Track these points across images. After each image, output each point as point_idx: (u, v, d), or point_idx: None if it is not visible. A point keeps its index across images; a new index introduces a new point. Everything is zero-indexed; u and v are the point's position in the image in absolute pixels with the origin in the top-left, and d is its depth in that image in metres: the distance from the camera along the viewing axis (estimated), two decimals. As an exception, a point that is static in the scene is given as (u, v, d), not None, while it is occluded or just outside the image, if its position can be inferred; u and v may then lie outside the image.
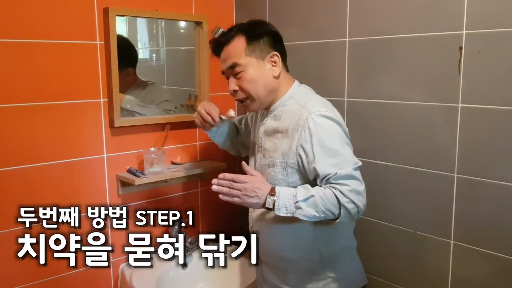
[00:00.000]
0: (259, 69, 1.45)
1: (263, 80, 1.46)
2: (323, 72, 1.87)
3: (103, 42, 1.79)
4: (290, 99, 1.48)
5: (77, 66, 1.74)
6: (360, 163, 1.37)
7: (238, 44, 1.46)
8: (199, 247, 2.07)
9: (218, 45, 1.51)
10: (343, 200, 1.31)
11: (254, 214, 1.59)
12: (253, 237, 1.48)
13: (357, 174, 1.35)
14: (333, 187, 1.33)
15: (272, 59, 1.47)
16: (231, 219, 2.35)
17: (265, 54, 1.46)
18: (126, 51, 1.99)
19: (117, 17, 1.79)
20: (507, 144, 1.41)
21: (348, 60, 1.78)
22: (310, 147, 1.36)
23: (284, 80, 1.50)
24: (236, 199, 1.36)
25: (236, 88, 1.48)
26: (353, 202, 1.32)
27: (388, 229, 1.75)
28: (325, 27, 1.85)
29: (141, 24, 2.08)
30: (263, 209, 1.44)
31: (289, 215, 1.34)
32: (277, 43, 1.49)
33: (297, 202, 1.33)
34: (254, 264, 1.56)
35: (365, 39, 1.72)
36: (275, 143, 1.47)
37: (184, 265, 2.00)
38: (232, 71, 1.47)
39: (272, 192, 1.35)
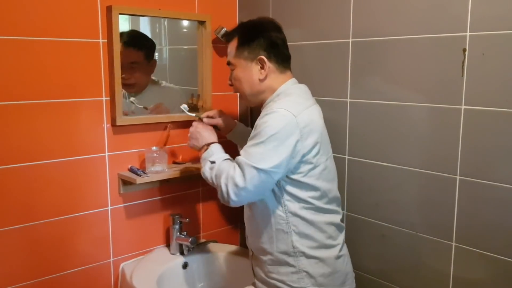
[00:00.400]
0: (245, 71, 1.56)
1: (248, 81, 1.57)
2: (326, 73, 1.87)
3: (106, 41, 1.79)
4: (276, 97, 1.54)
5: (79, 64, 1.74)
6: (261, 167, 1.39)
7: (233, 44, 1.58)
8: (200, 247, 2.08)
9: (226, 41, 1.66)
10: (222, 180, 1.44)
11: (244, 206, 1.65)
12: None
13: (248, 171, 1.40)
14: (231, 166, 1.46)
15: (260, 63, 1.54)
16: (233, 219, 2.35)
17: (254, 56, 1.54)
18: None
19: (120, 16, 1.78)
20: (510, 146, 1.41)
21: (351, 61, 1.78)
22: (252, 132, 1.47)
23: (277, 81, 1.56)
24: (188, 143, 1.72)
25: (230, 82, 1.64)
26: (227, 188, 1.42)
27: (390, 230, 1.74)
28: (328, 27, 1.84)
29: (144, 23, 2.07)
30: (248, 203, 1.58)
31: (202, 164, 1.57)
32: (271, 47, 1.54)
33: (213, 160, 1.54)
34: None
35: (369, 40, 1.72)
36: None
37: (185, 265, 2.00)
38: (229, 67, 1.62)
39: (207, 145, 1.61)
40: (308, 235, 1.51)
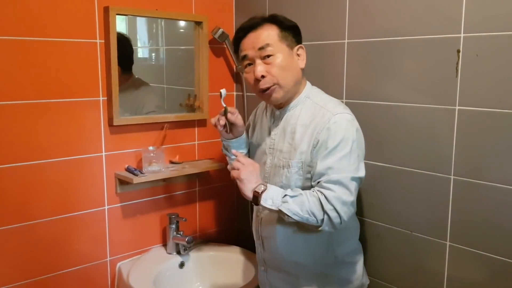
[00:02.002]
0: (289, 58, 1.45)
1: (293, 69, 1.45)
2: (321, 73, 1.88)
3: (103, 41, 1.80)
4: (306, 99, 1.49)
5: (77, 64, 1.75)
6: (361, 176, 1.37)
7: (270, 30, 1.44)
8: (197, 246, 2.08)
9: (248, 28, 1.46)
10: (326, 206, 1.29)
11: (263, 219, 1.56)
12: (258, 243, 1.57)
13: (351, 184, 1.33)
14: (320, 191, 1.31)
15: (298, 52, 1.47)
16: (229, 219, 2.36)
17: (294, 45, 1.46)
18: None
19: (117, 16, 1.79)
20: (504, 146, 1.42)
21: (346, 62, 1.79)
22: (324, 144, 1.36)
23: (303, 78, 1.52)
24: (234, 173, 1.38)
25: (265, 73, 1.41)
26: (336, 211, 1.29)
27: (385, 230, 1.75)
28: (324, 28, 1.85)
29: (141, 24, 2.08)
30: (273, 215, 1.47)
31: (273, 207, 1.32)
32: (300, 38, 1.50)
33: (285, 196, 1.33)
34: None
35: (364, 41, 1.73)
36: (291, 144, 1.45)
37: (182, 264, 2.01)
38: (261, 53, 1.42)
39: (263, 184, 1.36)
40: (346, 241, 1.51)
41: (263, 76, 1.42)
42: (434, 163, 1.58)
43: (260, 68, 1.41)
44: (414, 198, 1.65)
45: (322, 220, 1.30)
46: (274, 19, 1.47)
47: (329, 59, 1.85)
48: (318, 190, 1.32)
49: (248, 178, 1.35)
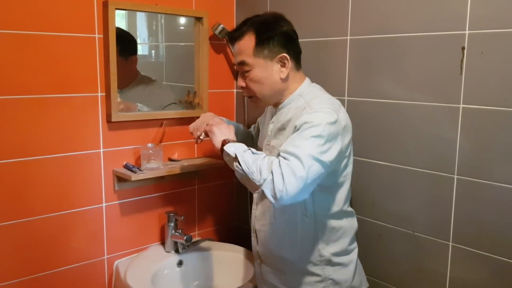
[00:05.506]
0: (266, 70, 1.46)
1: (270, 81, 1.47)
2: (323, 71, 1.86)
3: (102, 36, 1.77)
4: (298, 97, 1.49)
5: (75, 60, 1.73)
6: (323, 159, 1.29)
7: (248, 42, 1.45)
8: (195, 245, 2.06)
9: (232, 39, 1.52)
10: (275, 168, 1.25)
11: (256, 212, 1.57)
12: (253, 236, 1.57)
13: (306, 159, 1.25)
14: (277, 157, 1.30)
15: (281, 61, 1.45)
16: (228, 217, 2.34)
17: (275, 54, 1.45)
18: (128, 38, 1.97)
19: (116, 11, 1.77)
20: (508, 145, 1.40)
21: (349, 59, 1.77)
22: (296, 129, 1.35)
23: (294, 79, 1.50)
24: (206, 127, 1.50)
25: (243, 85, 1.50)
26: (283, 177, 1.23)
27: (386, 230, 1.74)
28: (326, 25, 1.83)
29: (141, 19, 2.06)
30: (265, 208, 1.51)
31: (231, 153, 1.34)
32: (289, 42, 1.47)
33: (248, 150, 1.35)
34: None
35: (367, 38, 1.71)
36: (281, 140, 1.46)
37: (180, 262, 1.99)
38: (240, 67, 1.49)
39: (234, 140, 1.43)
40: (335, 242, 1.49)
41: (243, 88, 1.52)
42: (437, 162, 1.56)
43: (239, 80, 1.52)
44: (417, 198, 1.64)
45: (265, 179, 1.25)
46: (256, 26, 1.46)
47: (331, 56, 1.83)
48: (276, 156, 1.31)
49: (220, 130, 1.45)
